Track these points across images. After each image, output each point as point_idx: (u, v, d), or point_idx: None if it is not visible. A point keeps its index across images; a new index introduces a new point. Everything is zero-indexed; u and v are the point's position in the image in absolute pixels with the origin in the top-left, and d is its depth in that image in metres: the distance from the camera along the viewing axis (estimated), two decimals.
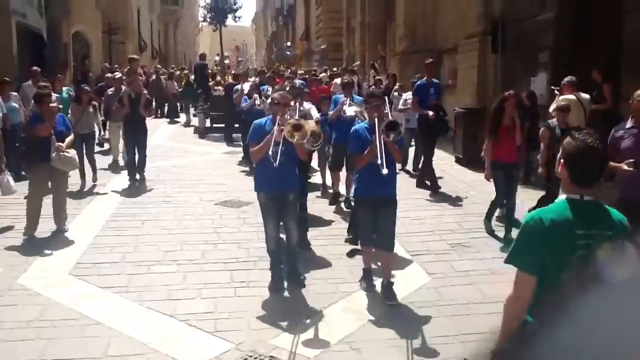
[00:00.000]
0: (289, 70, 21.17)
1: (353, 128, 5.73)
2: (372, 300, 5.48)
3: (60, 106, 8.60)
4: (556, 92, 8.87)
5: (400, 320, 5.04)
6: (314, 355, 4.45)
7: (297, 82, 14.63)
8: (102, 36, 30.09)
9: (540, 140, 7.27)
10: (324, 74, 20.35)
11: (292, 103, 5.93)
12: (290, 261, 5.84)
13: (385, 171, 4.99)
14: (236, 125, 14.37)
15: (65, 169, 7.41)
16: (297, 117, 5.60)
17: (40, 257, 6.49)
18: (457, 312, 5.21)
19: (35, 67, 12.64)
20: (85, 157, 9.85)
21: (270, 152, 5.28)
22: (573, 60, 9.18)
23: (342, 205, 8.68)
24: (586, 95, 8.53)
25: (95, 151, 10.64)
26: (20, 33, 18.24)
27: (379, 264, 5.79)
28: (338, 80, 15.86)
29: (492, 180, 7.37)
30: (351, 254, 6.60)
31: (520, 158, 7.56)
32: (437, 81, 10.78)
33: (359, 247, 6.21)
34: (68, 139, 7.47)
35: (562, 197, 2.55)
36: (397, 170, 6.72)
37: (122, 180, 10.46)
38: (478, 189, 9.47)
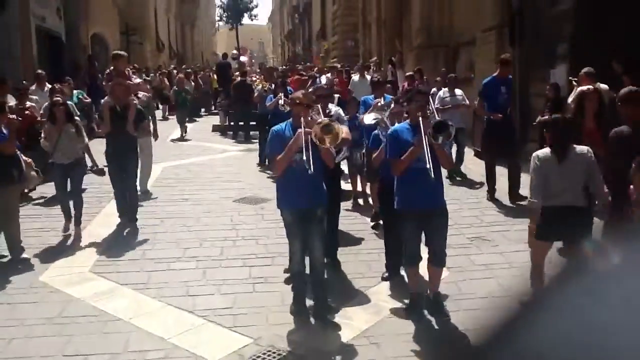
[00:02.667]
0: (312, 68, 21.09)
1: (392, 129, 5.08)
2: (389, 294, 5.47)
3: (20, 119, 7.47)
4: (574, 83, 8.74)
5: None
6: (332, 349, 4.45)
7: (323, 79, 14.47)
8: (120, 37, 30.36)
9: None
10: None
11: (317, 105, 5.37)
12: (318, 291, 4.97)
13: (432, 176, 4.47)
14: (252, 123, 14.45)
15: (34, 184, 6.52)
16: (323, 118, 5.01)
17: (60, 255, 6.57)
18: (477, 305, 5.16)
19: (39, 71, 12.50)
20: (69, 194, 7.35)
21: (295, 161, 4.61)
22: (593, 51, 9.02)
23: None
24: (605, 86, 8.37)
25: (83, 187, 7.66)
26: (40, 36, 18.47)
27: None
28: (356, 77, 15.35)
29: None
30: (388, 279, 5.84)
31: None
32: (511, 77, 9.56)
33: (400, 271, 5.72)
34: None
35: None
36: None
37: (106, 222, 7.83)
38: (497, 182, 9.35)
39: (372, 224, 7.45)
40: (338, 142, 4.62)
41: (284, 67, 22.80)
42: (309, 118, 4.82)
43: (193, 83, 22.86)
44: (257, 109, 12.33)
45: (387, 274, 5.82)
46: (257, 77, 21.40)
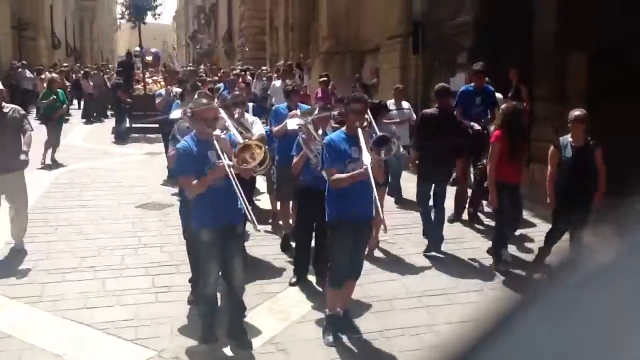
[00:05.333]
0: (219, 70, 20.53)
1: (327, 137, 4.75)
2: (297, 300, 5.46)
3: None
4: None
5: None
6: (239, 358, 4.37)
7: (218, 86, 13.93)
8: (12, 32, 28.47)
9: (548, 160, 6.02)
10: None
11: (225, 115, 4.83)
12: (236, 315, 4.63)
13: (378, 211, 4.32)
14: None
15: None
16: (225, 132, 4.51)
17: None
18: (382, 308, 5.26)
19: None
20: None
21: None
22: (490, 61, 9.52)
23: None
24: (499, 95, 8.78)
25: None
26: None
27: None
28: (277, 83, 14.58)
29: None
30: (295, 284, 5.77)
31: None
32: (492, 89, 8.42)
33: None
34: None
35: None
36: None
37: None
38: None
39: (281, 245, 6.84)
40: (262, 159, 4.30)
41: (189, 68, 22.13)
42: (218, 132, 4.36)
43: (91, 83, 21.86)
44: (161, 114, 11.18)
45: (294, 279, 5.80)
46: (160, 78, 20.65)
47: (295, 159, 5.57)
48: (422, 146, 6.71)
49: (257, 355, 4.41)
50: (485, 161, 6.93)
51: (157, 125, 12.83)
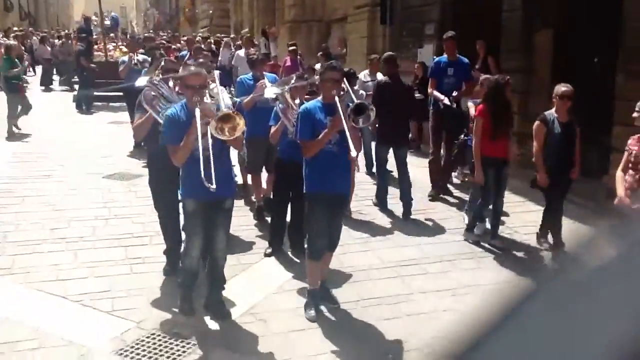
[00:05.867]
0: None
1: (302, 107, 4.66)
2: (273, 270, 5.50)
3: None
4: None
5: (303, 288, 5.07)
6: (219, 329, 4.41)
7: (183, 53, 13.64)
8: None
9: (534, 136, 5.88)
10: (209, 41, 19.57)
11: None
12: (215, 287, 4.60)
13: (354, 153, 4.28)
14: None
15: None
16: (214, 100, 4.38)
17: None
18: (358, 278, 5.35)
19: None
20: None
21: (199, 149, 4.02)
22: (458, 33, 9.55)
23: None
24: None
25: None
26: None
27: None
28: (241, 52, 13.96)
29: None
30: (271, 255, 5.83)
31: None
32: (466, 61, 8.06)
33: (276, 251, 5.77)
34: None
35: None
36: (358, 171, 6.59)
37: None
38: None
39: (255, 220, 6.82)
40: (237, 133, 4.06)
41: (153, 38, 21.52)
42: (202, 100, 4.16)
43: (49, 48, 21.13)
44: (125, 81, 10.48)
45: (269, 250, 5.84)
46: (120, 44, 20.10)
47: (272, 129, 5.54)
48: (379, 112, 6.81)
49: (236, 325, 4.45)
50: (461, 137, 7.01)
51: (121, 94, 12.61)
